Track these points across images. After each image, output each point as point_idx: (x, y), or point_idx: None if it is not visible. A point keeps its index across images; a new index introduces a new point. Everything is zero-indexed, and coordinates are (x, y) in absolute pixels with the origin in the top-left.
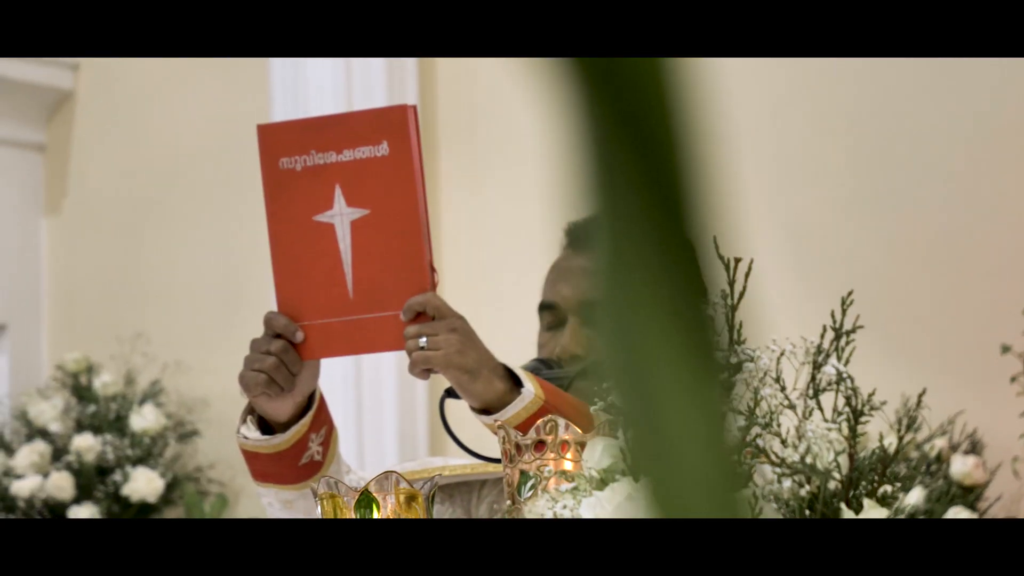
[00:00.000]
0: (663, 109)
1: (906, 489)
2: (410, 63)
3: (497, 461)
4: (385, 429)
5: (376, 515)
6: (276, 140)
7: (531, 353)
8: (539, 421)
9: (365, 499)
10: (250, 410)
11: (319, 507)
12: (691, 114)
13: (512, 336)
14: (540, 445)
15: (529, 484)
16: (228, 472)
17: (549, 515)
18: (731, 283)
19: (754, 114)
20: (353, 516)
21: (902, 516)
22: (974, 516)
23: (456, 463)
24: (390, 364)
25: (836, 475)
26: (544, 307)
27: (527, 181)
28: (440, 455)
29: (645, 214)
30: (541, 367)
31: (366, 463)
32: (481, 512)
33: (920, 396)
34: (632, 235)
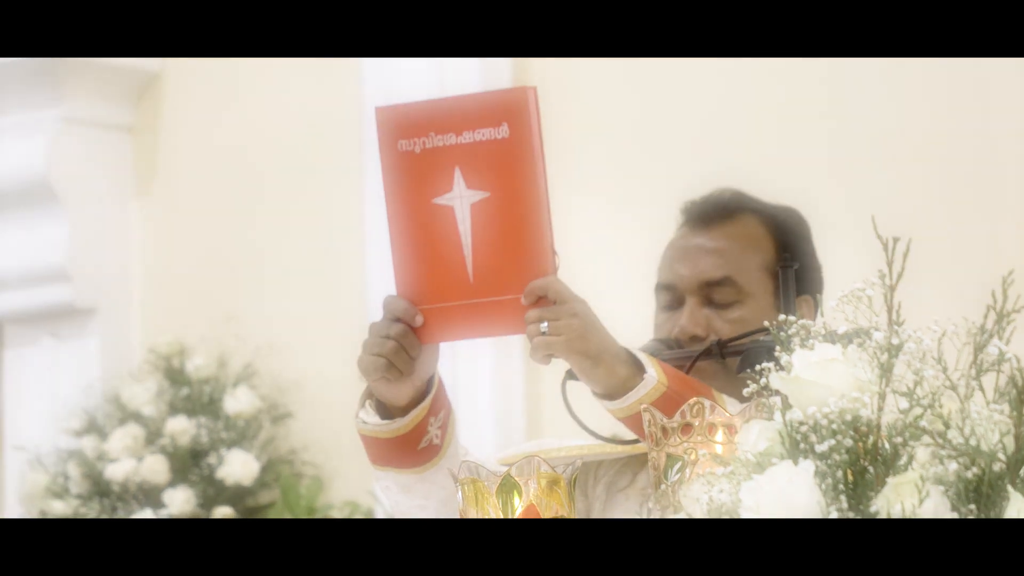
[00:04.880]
0: None
1: None
2: (504, 63)
3: (615, 442)
4: (481, 412)
5: (518, 500)
6: (395, 122)
7: (634, 335)
8: (685, 404)
9: (507, 483)
10: (369, 394)
11: (459, 492)
12: None
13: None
14: (687, 428)
15: (676, 467)
16: (322, 454)
17: (705, 499)
18: (889, 264)
19: None
20: (495, 501)
21: None
22: None
23: (571, 444)
24: (485, 346)
25: (1001, 456)
26: (661, 287)
27: (619, 175)
28: (536, 437)
29: None
30: (661, 348)
31: None
32: (598, 492)
33: None
34: None
